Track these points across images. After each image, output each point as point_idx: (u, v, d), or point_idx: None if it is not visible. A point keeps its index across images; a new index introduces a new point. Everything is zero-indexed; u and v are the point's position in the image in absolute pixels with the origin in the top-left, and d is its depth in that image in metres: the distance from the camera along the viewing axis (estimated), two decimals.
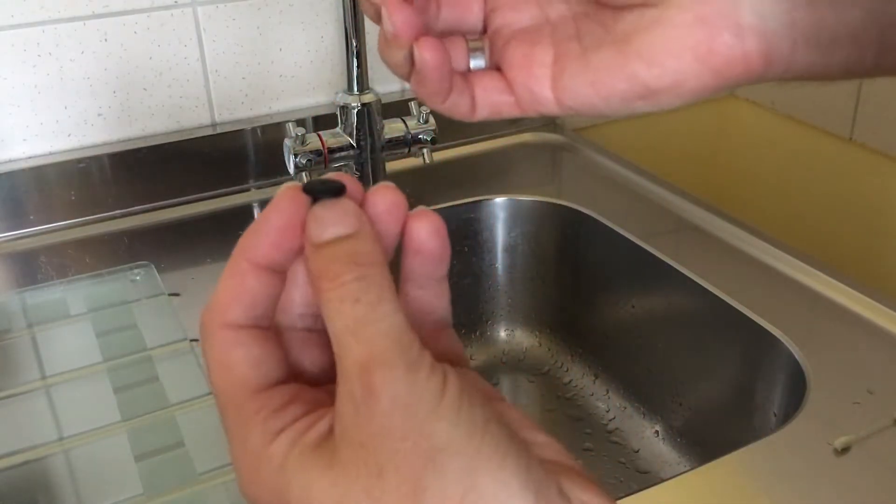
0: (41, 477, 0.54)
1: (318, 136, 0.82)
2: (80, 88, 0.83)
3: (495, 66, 0.32)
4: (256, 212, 0.87)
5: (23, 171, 0.82)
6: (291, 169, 0.83)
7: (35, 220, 0.82)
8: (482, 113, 0.32)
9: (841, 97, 1.02)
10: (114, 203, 0.85)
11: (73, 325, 0.68)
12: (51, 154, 0.84)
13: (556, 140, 1.01)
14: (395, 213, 0.26)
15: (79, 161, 0.83)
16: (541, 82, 0.31)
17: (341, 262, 0.23)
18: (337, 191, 0.25)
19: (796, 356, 0.64)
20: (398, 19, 0.29)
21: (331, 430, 0.23)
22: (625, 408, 0.83)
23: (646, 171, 0.92)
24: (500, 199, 0.89)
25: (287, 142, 0.83)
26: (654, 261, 0.77)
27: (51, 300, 0.71)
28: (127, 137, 0.87)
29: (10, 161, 0.83)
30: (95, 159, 0.84)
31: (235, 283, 0.25)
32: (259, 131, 0.90)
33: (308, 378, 0.27)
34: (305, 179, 0.83)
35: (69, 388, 0.61)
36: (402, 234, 0.26)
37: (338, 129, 0.82)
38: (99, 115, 0.85)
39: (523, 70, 0.31)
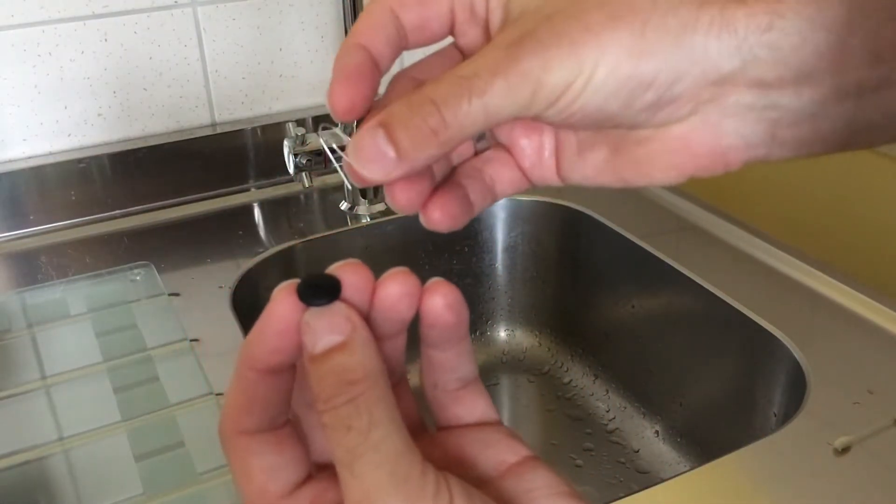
0: (41, 477, 0.54)
1: (318, 136, 0.82)
2: (80, 88, 0.83)
3: (498, 144, 0.33)
4: (256, 212, 0.87)
5: (23, 171, 0.82)
6: (291, 169, 0.83)
7: (35, 220, 0.82)
8: (504, 193, 0.33)
9: None
10: (114, 203, 0.85)
11: (73, 325, 0.68)
12: (51, 154, 0.84)
13: None
14: (408, 299, 0.26)
15: (79, 161, 0.83)
16: (550, 170, 0.33)
17: (332, 383, 0.23)
18: (331, 291, 0.25)
19: (796, 356, 0.64)
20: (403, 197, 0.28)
21: None
22: (625, 408, 0.83)
23: None
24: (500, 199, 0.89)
25: (287, 142, 0.83)
26: (654, 261, 0.77)
27: (51, 300, 0.71)
28: (127, 137, 0.87)
29: (10, 161, 0.83)
30: (95, 159, 0.84)
31: (242, 392, 0.25)
32: (259, 131, 0.90)
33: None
34: (306, 183, 0.83)
35: (69, 388, 0.61)
36: (419, 308, 0.26)
37: (338, 129, 0.82)
38: (99, 115, 0.85)
39: (535, 163, 0.33)
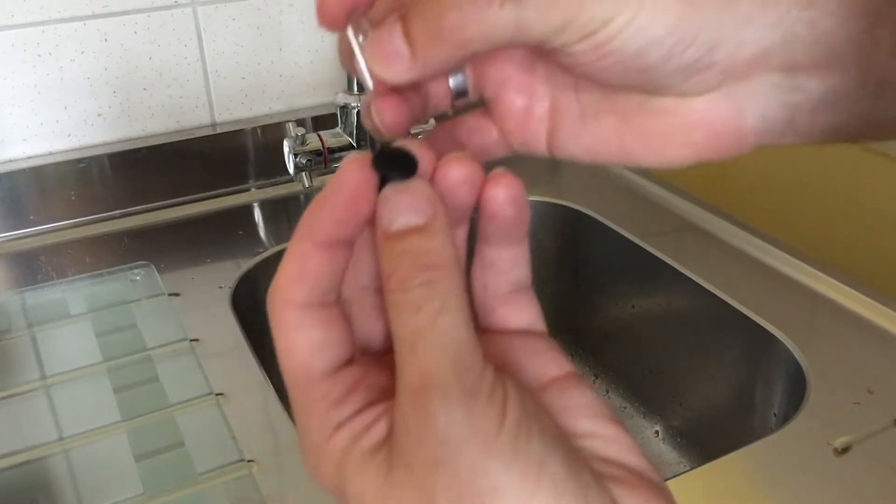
0: (41, 477, 0.54)
1: (318, 136, 0.82)
2: (80, 88, 0.83)
3: (480, 98, 0.30)
4: (256, 212, 0.87)
5: (23, 171, 0.82)
6: (291, 169, 0.83)
7: (35, 220, 0.82)
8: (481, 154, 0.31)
9: None
10: (114, 203, 0.85)
11: (73, 325, 0.68)
12: (51, 154, 0.84)
13: None
14: (468, 186, 0.25)
15: (79, 161, 0.83)
16: (537, 137, 0.30)
17: (408, 263, 0.23)
18: (408, 167, 0.24)
19: (796, 356, 0.64)
20: (387, 116, 0.27)
21: (387, 436, 0.23)
22: (625, 408, 0.83)
23: (646, 171, 0.92)
24: None
25: (287, 142, 0.83)
26: (654, 261, 0.77)
27: (51, 300, 0.71)
28: (127, 137, 0.87)
29: (10, 161, 0.83)
30: (95, 159, 0.84)
31: (298, 263, 0.24)
32: (259, 131, 0.90)
33: (377, 347, 0.26)
34: (306, 183, 0.83)
35: (69, 388, 0.61)
36: (479, 197, 0.25)
37: (338, 129, 0.82)
38: (99, 115, 0.85)
39: (520, 124, 0.30)
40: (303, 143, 0.82)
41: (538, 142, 0.30)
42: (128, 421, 0.58)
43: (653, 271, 0.77)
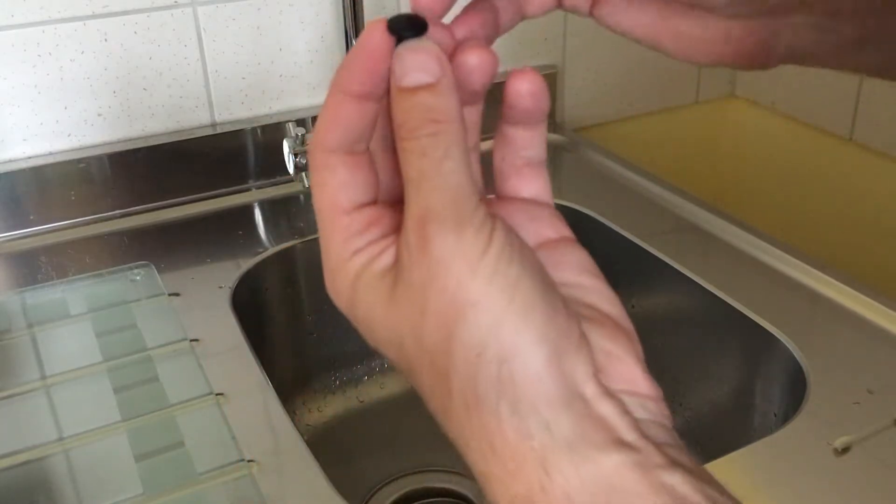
0: (41, 477, 0.54)
1: None
2: (80, 88, 0.83)
3: None
4: (257, 211, 0.87)
5: (23, 171, 0.82)
6: (291, 169, 0.83)
7: (35, 220, 0.82)
8: (534, 12, 0.33)
9: (841, 97, 1.02)
10: (114, 203, 0.85)
11: (73, 325, 0.68)
12: (51, 154, 0.84)
13: (556, 140, 1.01)
14: (481, 73, 0.28)
15: (79, 161, 0.83)
16: (583, 1, 0.33)
17: (418, 116, 0.26)
18: (418, 27, 0.26)
19: (796, 356, 0.64)
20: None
21: (395, 262, 0.27)
22: None
23: (646, 171, 0.92)
24: None
25: (287, 142, 0.83)
26: (654, 261, 0.77)
27: (51, 300, 0.71)
28: (127, 137, 0.87)
29: (10, 161, 0.83)
30: (95, 159, 0.84)
31: (331, 112, 0.28)
32: (259, 131, 0.90)
33: (398, 197, 0.29)
34: (306, 183, 0.83)
35: (69, 388, 0.61)
36: (506, 86, 0.29)
37: None
38: (99, 115, 0.85)
39: None
40: (303, 143, 0.82)
41: (583, 4, 0.33)
42: (128, 421, 0.58)
43: (653, 271, 0.77)
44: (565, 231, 0.30)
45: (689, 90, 1.16)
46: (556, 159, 0.99)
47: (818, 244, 1.06)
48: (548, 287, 0.25)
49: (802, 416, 0.58)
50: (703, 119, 1.19)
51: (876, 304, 0.68)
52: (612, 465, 0.24)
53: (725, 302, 0.70)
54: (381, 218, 0.28)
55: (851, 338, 0.65)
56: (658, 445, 0.25)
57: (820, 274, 0.72)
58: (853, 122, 1.01)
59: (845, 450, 0.54)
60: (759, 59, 0.31)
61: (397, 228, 0.27)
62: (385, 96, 0.28)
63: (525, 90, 0.29)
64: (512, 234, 0.26)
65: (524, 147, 0.30)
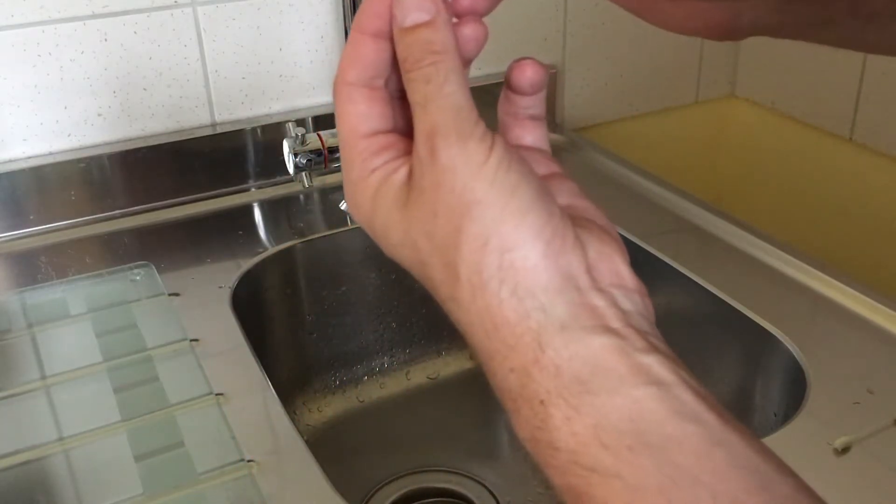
0: (41, 477, 0.54)
1: (318, 136, 0.82)
2: (80, 88, 0.83)
3: None
4: (257, 211, 0.87)
5: (23, 171, 0.82)
6: (291, 169, 0.83)
7: (35, 220, 0.82)
8: None
9: (841, 97, 1.02)
10: (114, 203, 0.85)
11: (73, 325, 0.68)
12: (51, 154, 0.84)
13: (556, 140, 1.01)
14: (475, 43, 0.32)
15: (79, 161, 0.83)
16: None
17: (419, 49, 0.30)
18: None
19: (796, 356, 0.64)
20: None
21: (409, 176, 0.30)
22: None
23: (646, 171, 0.92)
24: None
25: (287, 142, 0.83)
26: (654, 261, 0.77)
27: (51, 300, 0.71)
28: (127, 137, 0.87)
29: (10, 161, 0.83)
30: (95, 159, 0.84)
31: (351, 49, 0.32)
32: (259, 131, 0.90)
33: (409, 132, 0.32)
34: (306, 183, 0.83)
35: (69, 388, 0.61)
36: (508, 71, 0.34)
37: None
38: (99, 115, 0.85)
39: None
40: (303, 143, 0.82)
41: None
42: (128, 421, 0.58)
43: (653, 271, 0.77)
44: (557, 169, 0.35)
45: (689, 90, 1.16)
46: (557, 159, 0.99)
47: (818, 244, 1.06)
48: (544, 194, 0.29)
49: (802, 416, 0.58)
50: (703, 119, 1.19)
51: (876, 304, 0.68)
52: (598, 346, 0.27)
53: (725, 302, 0.70)
54: (395, 143, 0.31)
55: (851, 338, 0.65)
56: (640, 333, 0.28)
57: (820, 274, 0.72)
58: (853, 122, 1.01)
59: (845, 450, 0.54)
60: (726, 33, 0.35)
61: (409, 151, 0.31)
62: None
63: (525, 79, 0.34)
64: (510, 147, 0.29)
65: (526, 106, 0.35)
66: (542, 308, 0.28)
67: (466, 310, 0.29)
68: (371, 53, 0.31)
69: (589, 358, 0.27)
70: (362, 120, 0.32)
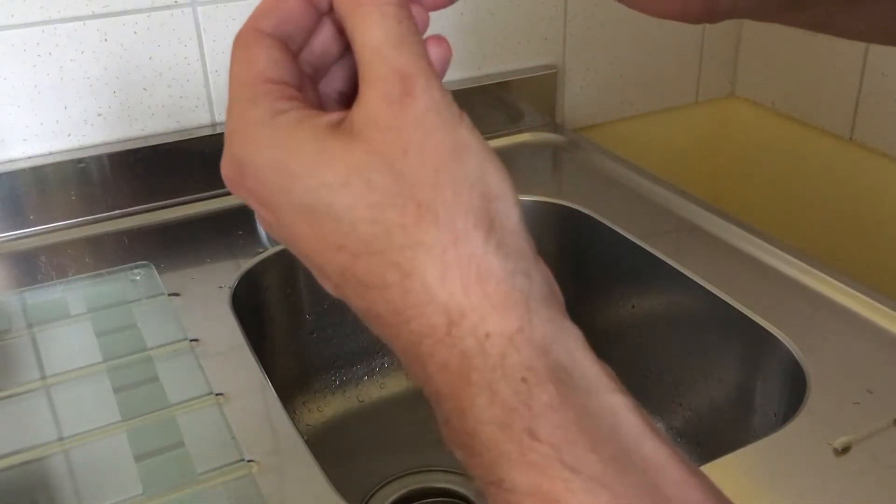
0: (41, 477, 0.54)
1: None
2: (80, 88, 0.83)
3: None
4: None
5: (23, 171, 0.82)
6: None
7: (35, 220, 0.82)
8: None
9: (841, 97, 1.02)
10: (114, 203, 0.85)
11: (73, 325, 0.68)
12: (50, 154, 0.84)
13: (556, 140, 1.01)
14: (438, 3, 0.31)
15: (79, 161, 0.83)
16: None
17: None
18: None
19: (796, 356, 0.64)
20: None
21: (340, 122, 0.27)
22: None
23: (646, 171, 0.92)
24: None
25: None
26: (654, 261, 0.77)
27: (51, 300, 0.71)
28: (127, 137, 0.87)
29: (10, 161, 0.83)
30: (95, 159, 0.84)
31: (273, 1, 0.29)
32: None
33: (315, 103, 0.30)
34: None
35: (69, 388, 0.61)
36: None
37: None
38: (99, 115, 0.85)
39: None
40: None
41: None
42: (128, 421, 0.58)
43: (653, 271, 0.77)
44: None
45: (689, 90, 1.16)
46: (556, 159, 0.99)
47: (818, 244, 1.06)
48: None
49: (802, 416, 0.57)
50: (703, 119, 1.19)
51: (876, 304, 0.68)
52: (575, 337, 0.26)
53: (725, 302, 0.70)
54: (304, 99, 0.28)
55: (851, 338, 0.65)
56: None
57: (820, 274, 0.72)
58: (853, 122, 1.01)
59: (845, 450, 0.54)
60: (704, 15, 0.36)
61: (319, 108, 0.28)
62: (329, 11, 0.29)
63: (435, 56, 0.30)
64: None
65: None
66: (526, 274, 0.26)
67: (439, 257, 0.25)
68: (296, 11, 0.29)
69: (570, 348, 0.26)
70: (272, 66, 0.28)
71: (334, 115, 0.27)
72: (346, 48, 0.31)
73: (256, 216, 0.30)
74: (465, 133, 0.26)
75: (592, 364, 0.26)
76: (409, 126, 0.26)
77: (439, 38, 0.30)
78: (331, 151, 0.26)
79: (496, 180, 0.26)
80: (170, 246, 0.81)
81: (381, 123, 0.26)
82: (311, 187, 0.26)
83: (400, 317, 0.26)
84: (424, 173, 0.25)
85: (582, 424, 0.24)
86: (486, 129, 1.01)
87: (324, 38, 0.31)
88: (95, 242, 0.82)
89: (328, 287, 0.29)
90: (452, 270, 0.25)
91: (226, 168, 0.28)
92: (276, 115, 0.27)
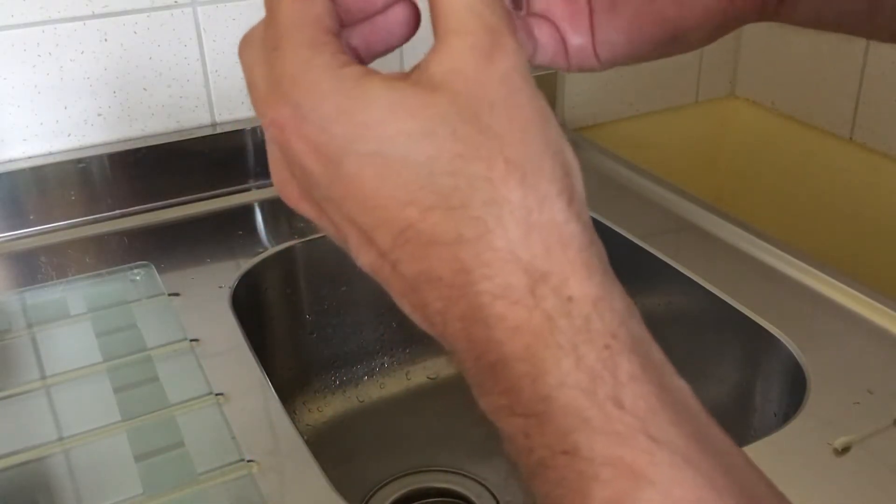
0: (41, 477, 0.54)
1: None
2: (80, 88, 0.83)
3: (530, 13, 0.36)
4: (257, 211, 0.87)
5: (23, 171, 0.82)
6: None
7: (35, 220, 0.82)
8: (542, 58, 0.35)
9: (841, 97, 1.02)
10: (114, 203, 0.85)
11: (73, 325, 0.68)
12: (50, 154, 0.84)
13: None
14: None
15: (78, 161, 0.83)
16: (584, 35, 0.35)
17: None
18: None
19: (796, 356, 0.64)
20: None
21: (408, 76, 0.25)
22: None
23: (646, 171, 0.92)
24: None
25: None
26: (654, 261, 0.77)
27: (51, 300, 0.71)
28: (127, 137, 0.87)
29: (10, 161, 0.83)
30: (95, 159, 0.84)
31: None
32: (259, 131, 0.90)
33: None
34: None
35: (69, 388, 0.61)
36: None
37: None
38: (99, 115, 0.85)
39: (569, 23, 0.35)
40: None
41: (586, 43, 0.36)
42: (128, 421, 0.58)
43: (653, 271, 0.77)
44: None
45: (689, 90, 1.16)
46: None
47: (818, 244, 1.06)
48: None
49: (802, 416, 0.57)
50: (703, 119, 1.19)
51: (876, 304, 0.68)
52: (638, 322, 0.26)
53: (725, 302, 0.70)
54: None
55: (851, 338, 0.65)
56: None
57: (820, 274, 0.72)
58: (853, 122, 1.01)
59: (845, 450, 0.54)
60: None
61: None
62: None
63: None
64: None
65: None
66: (599, 246, 0.25)
67: (524, 217, 0.24)
68: None
69: (641, 324, 0.25)
70: (329, 15, 0.27)
71: (396, 73, 0.26)
72: (389, 4, 0.29)
73: (285, 173, 0.28)
74: (546, 104, 0.26)
75: (658, 346, 0.25)
76: (496, 81, 0.25)
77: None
78: (411, 100, 0.24)
79: (572, 155, 0.26)
80: (170, 246, 0.81)
81: (469, 74, 0.25)
82: (389, 136, 0.24)
83: (469, 276, 0.24)
84: (512, 130, 0.24)
85: (663, 398, 0.24)
86: None
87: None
88: (95, 242, 0.82)
89: (367, 255, 0.27)
90: (536, 232, 0.24)
91: (277, 111, 0.26)
92: (342, 66, 0.25)
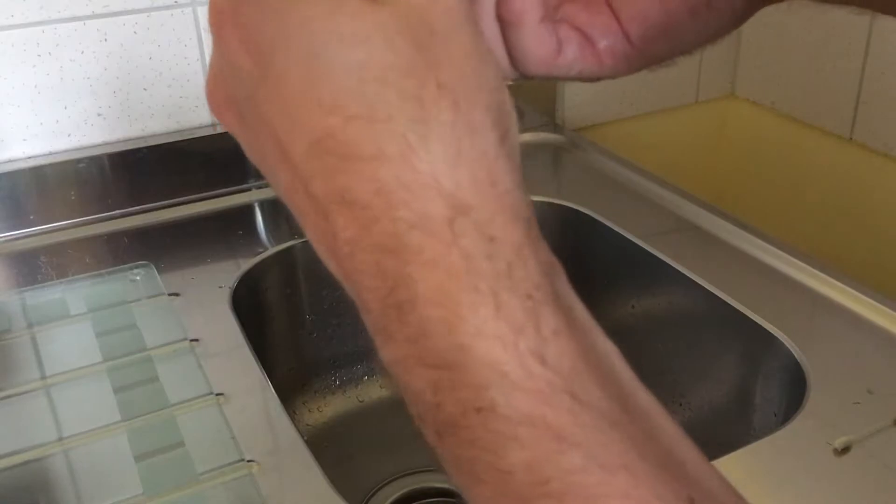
0: (41, 477, 0.54)
1: None
2: (80, 88, 0.83)
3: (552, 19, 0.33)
4: (257, 211, 0.87)
5: (23, 171, 0.82)
6: None
7: (35, 220, 0.82)
8: (567, 56, 0.33)
9: (841, 97, 1.02)
10: (114, 203, 0.85)
11: (73, 325, 0.68)
12: (51, 154, 0.84)
13: (556, 140, 1.01)
14: None
15: (79, 161, 0.83)
16: (606, 15, 0.33)
17: None
18: None
19: (796, 356, 0.64)
20: None
21: None
22: None
23: (646, 171, 0.92)
24: None
25: None
26: (654, 261, 0.77)
27: (51, 300, 0.71)
28: (127, 137, 0.87)
29: (10, 161, 0.83)
30: (95, 159, 0.84)
31: None
32: None
33: None
34: None
35: (69, 388, 0.61)
36: None
37: None
38: (99, 115, 0.85)
39: (587, 13, 0.33)
40: None
41: (614, 28, 0.34)
42: (128, 421, 0.58)
43: (653, 271, 0.77)
44: None
45: (689, 90, 1.16)
46: (556, 159, 0.99)
47: (818, 244, 1.06)
48: None
49: (802, 416, 0.57)
50: (703, 119, 1.19)
51: (876, 304, 0.68)
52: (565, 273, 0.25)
53: (725, 302, 0.70)
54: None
55: (851, 338, 0.65)
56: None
57: (820, 274, 0.72)
58: (853, 122, 1.01)
59: (845, 450, 0.54)
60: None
61: None
62: None
63: None
64: None
65: None
66: (526, 193, 0.23)
67: (454, 142, 0.22)
68: None
69: (565, 282, 0.24)
70: None
71: None
72: None
73: (217, 73, 0.26)
74: (488, 48, 0.24)
75: (583, 305, 0.24)
76: (440, 12, 0.23)
77: None
78: (353, 5, 0.22)
79: (509, 100, 0.24)
80: (170, 246, 0.81)
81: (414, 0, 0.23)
82: (323, 36, 0.22)
83: (386, 199, 0.22)
84: (450, 59, 0.22)
85: (587, 358, 0.22)
86: None
87: None
88: (95, 242, 0.82)
89: (283, 174, 0.25)
90: (465, 162, 0.22)
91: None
92: None
